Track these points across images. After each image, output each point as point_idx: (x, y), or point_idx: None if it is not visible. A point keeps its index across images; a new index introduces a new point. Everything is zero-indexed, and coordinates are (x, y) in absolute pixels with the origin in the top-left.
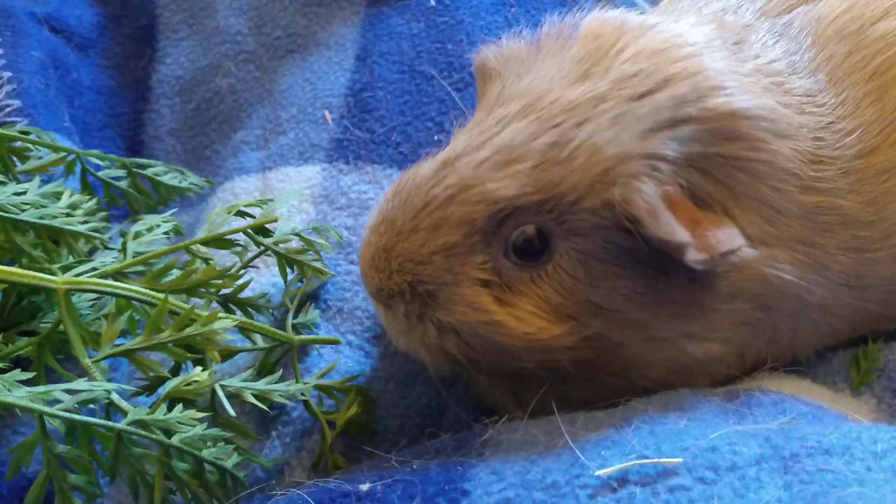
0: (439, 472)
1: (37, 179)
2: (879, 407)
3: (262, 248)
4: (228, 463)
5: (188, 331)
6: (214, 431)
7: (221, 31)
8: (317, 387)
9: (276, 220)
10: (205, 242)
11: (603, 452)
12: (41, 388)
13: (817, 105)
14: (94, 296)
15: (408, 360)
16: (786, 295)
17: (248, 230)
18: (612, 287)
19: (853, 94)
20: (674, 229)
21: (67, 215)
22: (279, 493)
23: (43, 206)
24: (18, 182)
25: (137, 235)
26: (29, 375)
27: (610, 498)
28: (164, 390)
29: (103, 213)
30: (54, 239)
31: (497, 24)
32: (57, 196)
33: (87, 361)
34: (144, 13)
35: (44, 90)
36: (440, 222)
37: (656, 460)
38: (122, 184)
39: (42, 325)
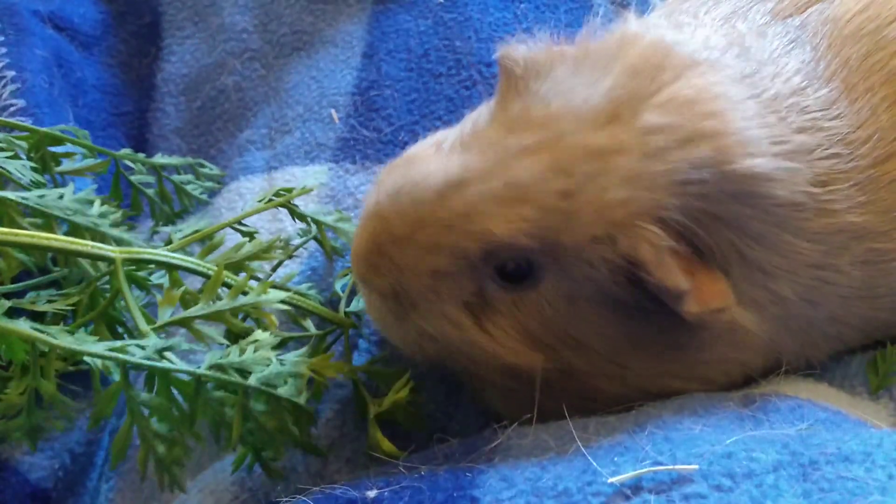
0: (448, 479)
1: (72, 185)
2: None
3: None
4: (301, 398)
5: (243, 300)
6: (289, 368)
7: (227, 28)
8: (367, 371)
9: (310, 191)
10: (247, 215)
11: (616, 459)
12: (118, 343)
13: (831, 118)
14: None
15: (415, 366)
16: (780, 324)
17: (289, 204)
18: (591, 325)
19: (869, 99)
20: (677, 277)
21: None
22: (284, 499)
23: (87, 216)
24: (56, 183)
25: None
26: (95, 338)
27: None
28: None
29: (130, 224)
30: None
31: (506, 21)
32: (90, 202)
33: (146, 328)
34: (149, 10)
35: (48, 89)
36: (435, 246)
37: (671, 467)
38: (150, 191)
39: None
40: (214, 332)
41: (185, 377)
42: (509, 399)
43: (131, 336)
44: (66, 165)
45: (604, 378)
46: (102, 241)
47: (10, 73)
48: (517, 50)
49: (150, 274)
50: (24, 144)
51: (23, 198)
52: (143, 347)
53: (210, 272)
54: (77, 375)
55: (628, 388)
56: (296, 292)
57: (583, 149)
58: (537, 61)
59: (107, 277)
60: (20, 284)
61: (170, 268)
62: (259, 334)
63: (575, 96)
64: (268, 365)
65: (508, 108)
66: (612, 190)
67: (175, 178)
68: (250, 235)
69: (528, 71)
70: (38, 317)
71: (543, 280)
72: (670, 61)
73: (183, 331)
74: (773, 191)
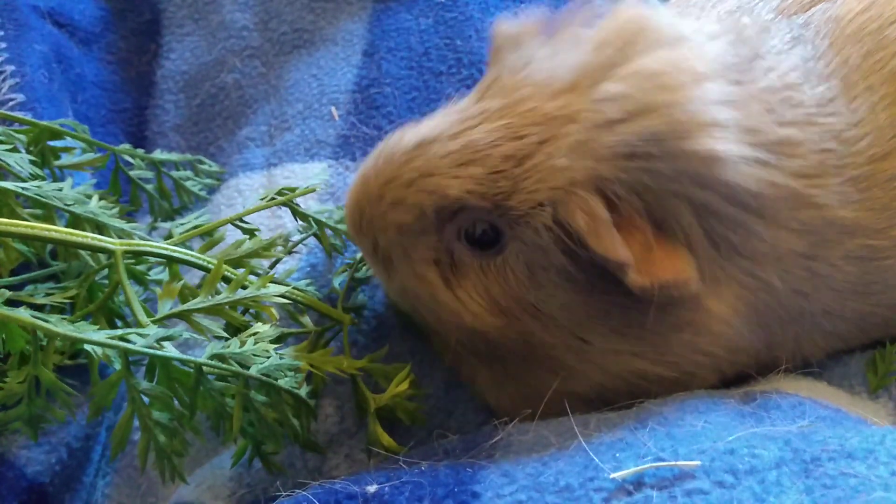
0: (448, 474)
1: (70, 180)
2: None
3: (307, 222)
4: (302, 391)
5: (243, 293)
6: (288, 361)
7: (227, 26)
8: (367, 367)
9: (314, 191)
10: (249, 212)
11: (617, 455)
12: (119, 332)
13: (827, 114)
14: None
15: (414, 362)
16: (770, 312)
17: (291, 202)
18: (551, 295)
19: (868, 98)
20: (615, 247)
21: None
22: (283, 494)
23: (86, 206)
24: (56, 178)
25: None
26: (95, 327)
27: (625, 501)
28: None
29: (129, 219)
30: None
31: None
32: (87, 196)
33: (146, 320)
34: (149, 8)
35: (47, 85)
36: (399, 201)
37: (673, 463)
38: (149, 187)
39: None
40: (215, 325)
41: (185, 367)
42: (499, 388)
43: None
44: (66, 160)
45: (565, 350)
46: (102, 232)
47: (10, 68)
48: (504, 23)
49: (149, 269)
50: (23, 138)
51: (22, 188)
52: (143, 336)
53: (210, 266)
54: (74, 370)
55: (589, 363)
56: (295, 288)
57: (537, 115)
58: (518, 33)
59: (105, 271)
60: (18, 277)
61: (170, 260)
62: (259, 326)
63: (542, 66)
64: (268, 357)
65: (487, 76)
66: (557, 157)
67: (174, 174)
68: (251, 233)
69: (508, 42)
70: (36, 310)
71: (508, 247)
72: (645, 35)
73: (182, 324)
74: (737, 178)
